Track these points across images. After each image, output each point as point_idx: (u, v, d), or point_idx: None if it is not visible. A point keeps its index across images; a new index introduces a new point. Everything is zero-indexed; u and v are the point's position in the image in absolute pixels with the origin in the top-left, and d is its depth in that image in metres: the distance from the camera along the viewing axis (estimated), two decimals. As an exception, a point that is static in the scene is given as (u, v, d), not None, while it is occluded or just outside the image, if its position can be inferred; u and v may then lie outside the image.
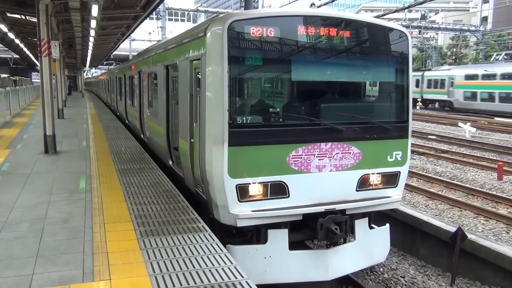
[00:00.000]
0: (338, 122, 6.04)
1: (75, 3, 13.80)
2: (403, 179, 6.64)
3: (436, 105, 40.06)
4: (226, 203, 5.59)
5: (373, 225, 6.82)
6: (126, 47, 50.52)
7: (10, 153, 10.50)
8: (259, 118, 5.85)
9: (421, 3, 25.78)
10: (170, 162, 8.43)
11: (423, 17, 54.20)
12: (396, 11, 25.58)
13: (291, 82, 6.25)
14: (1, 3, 15.21)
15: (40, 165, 9.18)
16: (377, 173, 6.36)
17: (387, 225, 6.89)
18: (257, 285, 4.00)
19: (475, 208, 10.33)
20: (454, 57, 61.44)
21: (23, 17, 19.15)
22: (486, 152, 17.56)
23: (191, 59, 6.56)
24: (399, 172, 6.54)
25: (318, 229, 5.90)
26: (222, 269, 4.27)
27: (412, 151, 15.29)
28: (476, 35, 51.58)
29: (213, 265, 4.36)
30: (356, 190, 6.25)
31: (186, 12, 47.75)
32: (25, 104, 26.52)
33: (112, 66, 49.77)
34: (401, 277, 7.37)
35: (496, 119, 29.00)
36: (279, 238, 5.88)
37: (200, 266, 4.32)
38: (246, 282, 4.01)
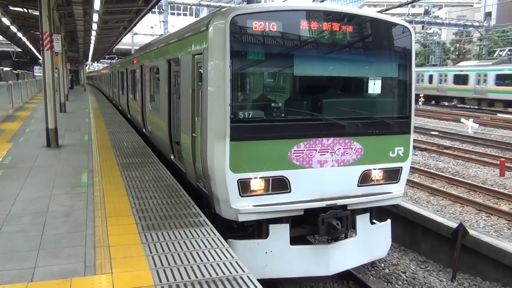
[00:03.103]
0: (340, 117, 6.01)
1: (77, -4, 13.79)
2: (404, 175, 6.63)
3: None
4: (227, 198, 5.59)
5: (375, 221, 6.83)
6: (128, 41, 50.36)
7: (12, 147, 10.52)
8: (261, 113, 5.84)
9: (424, -2, 25.52)
10: (172, 157, 8.43)
11: (427, 12, 53.99)
12: (399, 6, 25.25)
13: (293, 77, 6.22)
14: (4, -4, 15.21)
15: (42, 159, 9.20)
16: (379, 169, 6.35)
17: (389, 220, 6.91)
18: (258, 280, 4.00)
19: (476, 204, 10.33)
20: (457, 53, 61.11)
21: (25, 10, 19.14)
22: (488, 148, 17.52)
23: (193, 53, 6.54)
24: (401, 167, 6.53)
25: (319, 224, 5.90)
26: (224, 263, 4.28)
27: (414, 147, 15.25)
28: (479, 30, 51.27)
29: (214, 259, 4.37)
30: (358, 186, 6.25)
31: (188, 7, 47.66)
32: (27, 98, 26.56)
33: (114, 60, 49.73)
34: (402, 272, 7.38)
35: (499, 115, 28.89)
36: (281, 233, 5.88)
37: (202, 260, 4.33)
38: (247, 276, 4.02)
